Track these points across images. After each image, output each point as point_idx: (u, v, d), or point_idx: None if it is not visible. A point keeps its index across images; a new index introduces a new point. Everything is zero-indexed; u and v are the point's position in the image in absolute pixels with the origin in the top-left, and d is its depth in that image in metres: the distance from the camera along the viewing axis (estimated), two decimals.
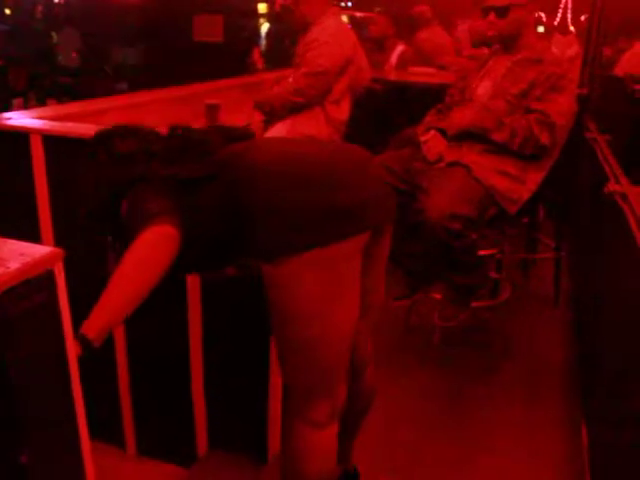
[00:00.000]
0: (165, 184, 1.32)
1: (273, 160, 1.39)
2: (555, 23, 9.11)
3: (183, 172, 1.35)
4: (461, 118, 2.50)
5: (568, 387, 2.50)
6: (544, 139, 2.37)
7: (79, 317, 1.14)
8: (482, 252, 2.53)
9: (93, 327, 1.13)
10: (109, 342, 1.95)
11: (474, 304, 2.57)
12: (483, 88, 2.56)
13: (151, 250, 1.19)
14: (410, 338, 2.80)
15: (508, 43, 2.57)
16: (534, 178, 2.46)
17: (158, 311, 1.94)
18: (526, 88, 2.43)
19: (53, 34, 8.60)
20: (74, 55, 7.81)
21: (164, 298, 1.91)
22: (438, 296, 2.57)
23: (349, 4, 10.73)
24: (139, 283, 1.17)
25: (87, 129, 1.87)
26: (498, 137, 2.39)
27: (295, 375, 1.44)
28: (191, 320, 1.90)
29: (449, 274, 2.44)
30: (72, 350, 1.09)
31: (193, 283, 1.86)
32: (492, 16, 2.52)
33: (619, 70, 5.41)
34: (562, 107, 2.40)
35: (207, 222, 1.34)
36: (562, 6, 9.46)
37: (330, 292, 1.33)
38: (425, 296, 2.68)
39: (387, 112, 3.71)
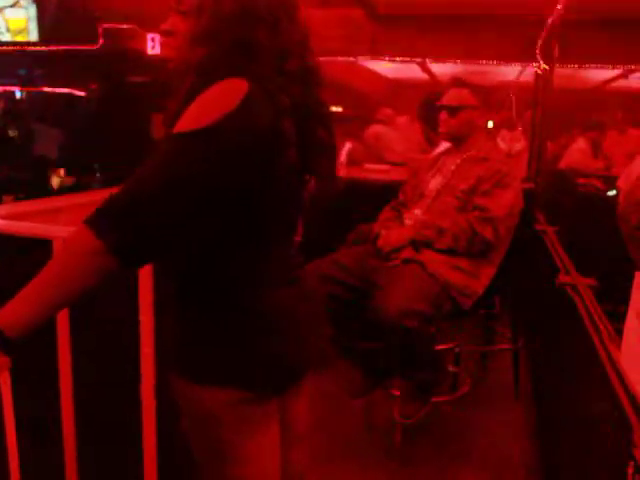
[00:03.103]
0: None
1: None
2: (502, 118, 9.55)
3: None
4: (399, 235, 2.57)
5: None
6: (488, 235, 2.44)
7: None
8: (439, 346, 2.54)
9: (5, 316, 1.00)
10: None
11: (434, 399, 2.55)
12: (434, 184, 2.66)
13: (84, 264, 1.02)
14: (370, 437, 2.73)
15: (458, 141, 2.69)
16: (487, 272, 2.52)
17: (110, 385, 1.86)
18: (474, 184, 2.53)
19: (12, 130, 8.67)
20: (54, 150, 7.87)
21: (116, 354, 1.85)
22: (397, 392, 2.55)
23: None
24: (64, 288, 1.03)
25: (40, 229, 1.87)
26: (442, 245, 2.47)
27: None
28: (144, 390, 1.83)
29: (407, 370, 2.43)
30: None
31: (147, 345, 1.80)
32: (444, 114, 2.67)
33: (563, 164, 5.70)
34: (504, 201, 2.50)
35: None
36: (507, 103, 9.96)
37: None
38: (384, 393, 2.65)
39: (342, 209, 3.78)
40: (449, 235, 2.45)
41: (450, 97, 2.68)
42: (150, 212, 1.00)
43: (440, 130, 2.76)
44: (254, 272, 1.18)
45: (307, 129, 1.15)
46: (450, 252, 2.46)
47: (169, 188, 1.00)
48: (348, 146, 4.91)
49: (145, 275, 1.73)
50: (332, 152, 1.25)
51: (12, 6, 8.04)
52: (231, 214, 1.09)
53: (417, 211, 2.65)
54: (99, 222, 1.00)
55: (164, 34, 1.21)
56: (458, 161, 2.66)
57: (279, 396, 1.28)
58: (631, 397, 1.30)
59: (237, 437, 1.22)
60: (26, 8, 8.00)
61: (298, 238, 1.29)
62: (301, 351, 1.26)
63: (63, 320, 1.84)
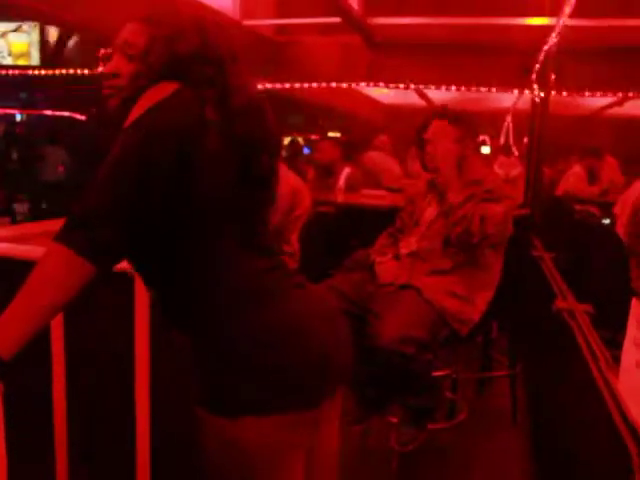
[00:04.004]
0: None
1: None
2: (500, 144, 9.65)
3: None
4: (385, 270, 2.57)
5: None
6: (490, 229, 2.42)
7: None
8: (437, 373, 2.52)
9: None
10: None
11: (431, 426, 2.53)
12: (430, 212, 2.66)
13: (60, 275, 1.06)
14: (366, 464, 2.71)
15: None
16: (483, 298, 2.51)
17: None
18: (466, 198, 2.51)
19: (14, 153, 8.71)
20: (60, 169, 7.92)
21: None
22: (394, 419, 2.53)
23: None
24: (45, 302, 1.06)
25: (39, 252, 1.86)
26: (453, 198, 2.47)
27: None
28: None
29: (404, 397, 2.41)
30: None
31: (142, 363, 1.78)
32: (428, 148, 2.65)
33: (560, 190, 5.73)
34: (496, 213, 2.47)
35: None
36: (504, 129, 10.07)
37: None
38: (381, 420, 2.63)
39: (340, 235, 3.80)
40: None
41: (431, 131, 2.65)
42: (108, 208, 1.07)
43: (427, 164, 2.71)
44: (244, 285, 1.18)
45: (254, 158, 1.22)
46: (447, 273, 2.45)
47: (116, 179, 1.08)
48: (347, 171, 4.92)
49: (141, 295, 1.73)
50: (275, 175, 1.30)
51: (15, 31, 8.15)
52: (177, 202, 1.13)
53: (413, 239, 2.65)
54: (69, 236, 1.06)
55: (108, 76, 1.25)
56: None
57: (312, 411, 1.23)
58: (629, 424, 1.29)
59: (273, 466, 1.20)
60: (28, 33, 8.11)
61: (288, 249, 1.32)
62: (327, 361, 1.24)
63: (57, 343, 1.83)
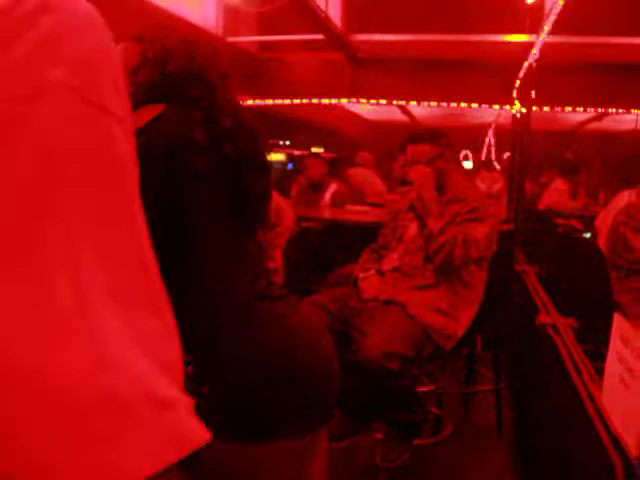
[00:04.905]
0: None
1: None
2: (482, 159, 9.72)
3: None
4: (369, 286, 2.58)
5: None
6: (473, 253, 2.43)
7: None
8: (421, 388, 2.51)
9: None
10: None
11: (416, 442, 2.51)
12: (412, 229, 2.67)
13: None
14: None
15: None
16: (467, 313, 2.52)
17: None
18: (449, 221, 2.52)
19: None
20: None
21: None
22: (380, 435, 2.51)
23: (287, 142, 11.11)
24: None
25: None
26: (432, 225, 2.46)
27: None
28: None
29: (389, 413, 2.40)
30: None
31: None
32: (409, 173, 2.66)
33: (542, 204, 5.78)
34: (480, 235, 2.48)
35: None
36: (486, 144, 10.16)
37: None
38: (366, 436, 2.61)
39: (324, 250, 3.80)
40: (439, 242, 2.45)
41: (408, 155, 2.66)
42: None
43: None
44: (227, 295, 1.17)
45: (246, 177, 1.20)
46: (430, 288, 2.45)
47: None
48: (333, 187, 4.93)
49: None
50: (268, 194, 1.30)
51: None
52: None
53: (395, 255, 2.65)
54: None
55: None
56: None
57: (309, 435, 1.22)
58: (613, 437, 1.29)
59: None
60: None
61: (271, 265, 1.30)
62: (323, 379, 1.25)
63: None
